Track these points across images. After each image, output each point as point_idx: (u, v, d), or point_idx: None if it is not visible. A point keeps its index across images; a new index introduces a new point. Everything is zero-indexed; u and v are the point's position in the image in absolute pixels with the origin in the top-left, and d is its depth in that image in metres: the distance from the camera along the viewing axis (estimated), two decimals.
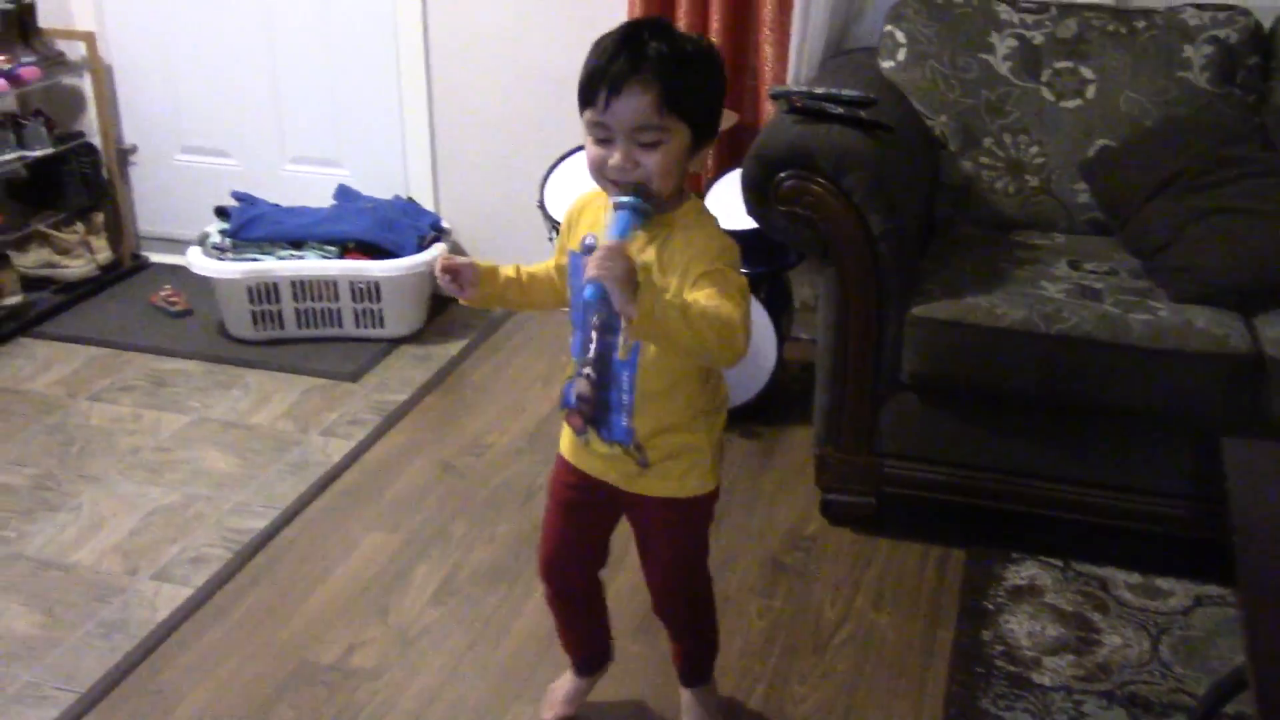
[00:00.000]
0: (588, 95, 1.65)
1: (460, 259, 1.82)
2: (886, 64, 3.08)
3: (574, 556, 2.06)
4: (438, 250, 1.82)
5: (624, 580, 2.61)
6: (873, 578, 2.64)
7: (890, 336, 2.61)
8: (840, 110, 2.60)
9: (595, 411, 1.82)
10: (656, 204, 1.68)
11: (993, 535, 2.74)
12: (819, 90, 2.67)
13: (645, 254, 1.71)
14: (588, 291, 1.54)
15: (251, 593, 2.58)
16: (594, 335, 1.67)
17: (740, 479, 3.01)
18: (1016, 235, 2.94)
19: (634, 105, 1.61)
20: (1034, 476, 2.63)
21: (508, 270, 1.89)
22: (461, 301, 1.86)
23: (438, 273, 1.81)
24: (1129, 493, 2.58)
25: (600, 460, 1.88)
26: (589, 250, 1.71)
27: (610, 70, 1.61)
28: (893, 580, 2.63)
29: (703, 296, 1.64)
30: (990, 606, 2.51)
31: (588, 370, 1.79)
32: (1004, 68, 3.01)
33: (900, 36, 3.07)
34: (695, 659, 2.15)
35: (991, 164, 3.01)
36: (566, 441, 1.94)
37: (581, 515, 2.00)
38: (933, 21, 3.05)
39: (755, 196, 2.61)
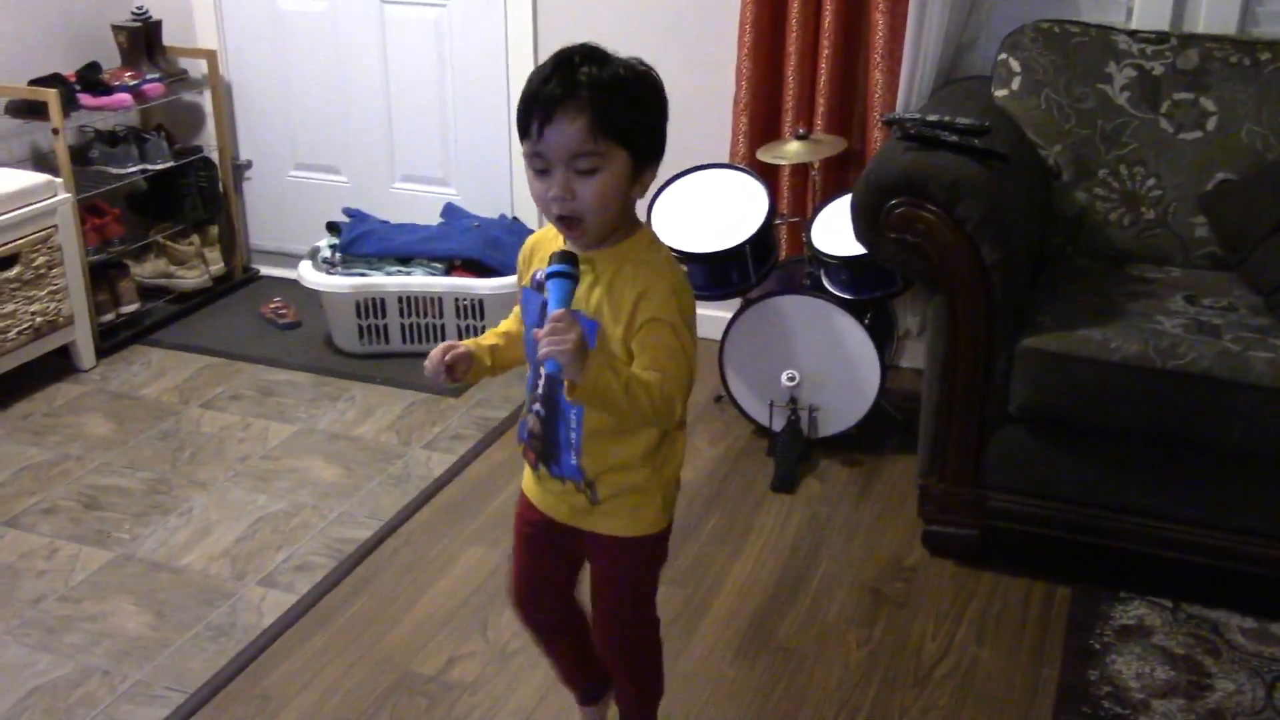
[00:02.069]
0: (522, 125, 1.61)
1: (459, 349, 1.77)
2: (1000, 92, 3.05)
3: (541, 588, 2.00)
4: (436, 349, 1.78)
5: (720, 606, 2.61)
6: (975, 612, 2.59)
7: (999, 368, 2.57)
8: (954, 138, 2.58)
9: (545, 448, 1.78)
10: (599, 242, 1.67)
11: (1100, 573, 2.68)
12: (932, 117, 2.65)
13: (594, 292, 1.67)
14: (547, 367, 1.53)
15: (354, 602, 2.62)
16: (542, 371, 1.59)
17: (840, 507, 2.98)
18: (1130, 268, 2.89)
19: (567, 131, 1.57)
20: (1145, 515, 2.57)
21: (488, 339, 1.86)
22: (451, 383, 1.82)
23: (437, 368, 1.76)
24: (1244, 535, 2.51)
25: (553, 497, 1.85)
26: (539, 285, 1.69)
27: (541, 97, 1.58)
28: (996, 615, 2.58)
29: (646, 359, 1.63)
30: (1097, 646, 2.46)
31: (537, 406, 1.74)
32: (1122, 98, 2.96)
33: (1015, 65, 3.04)
34: (636, 702, 2.08)
35: (1106, 195, 2.96)
36: (526, 477, 1.91)
37: (542, 550, 1.95)
38: (1049, 50, 3.01)
39: (866, 223, 2.59)
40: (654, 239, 1.73)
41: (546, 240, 1.77)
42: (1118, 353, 2.45)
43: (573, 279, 1.60)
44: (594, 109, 1.57)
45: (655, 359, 1.63)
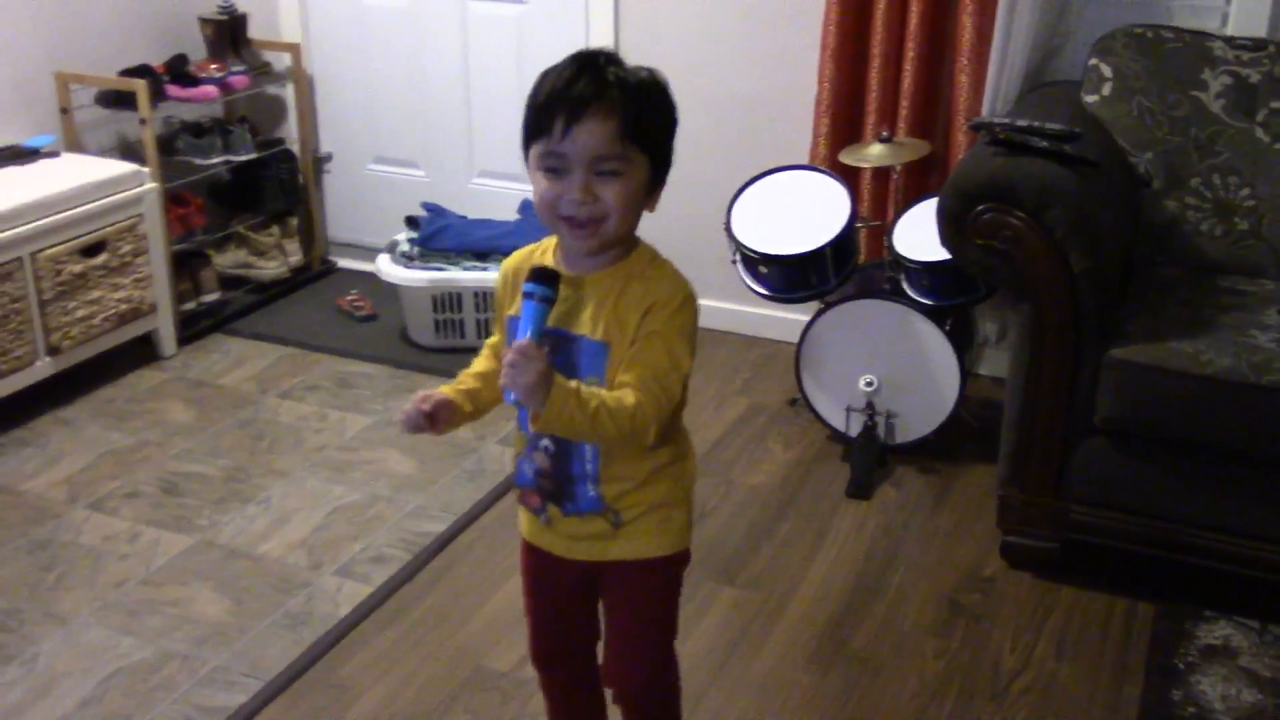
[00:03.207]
0: (542, 124, 1.53)
1: (436, 397, 1.67)
2: (1090, 98, 3.00)
3: (566, 639, 1.90)
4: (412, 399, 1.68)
5: (793, 612, 2.59)
6: (1054, 626, 2.55)
7: (1085, 378, 2.53)
8: (1044, 144, 2.54)
9: (557, 485, 1.69)
10: (614, 252, 1.61)
11: (1184, 590, 2.62)
12: (1022, 122, 2.61)
13: (601, 315, 1.59)
14: (506, 397, 1.50)
15: (429, 595, 2.63)
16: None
17: (916, 515, 2.95)
18: (1222, 280, 2.83)
19: (596, 132, 1.51)
20: (1232, 532, 2.51)
21: (465, 383, 1.74)
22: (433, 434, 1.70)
23: (417, 421, 1.65)
24: None
25: (564, 538, 1.74)
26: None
27: (570, 96, 1.52)
28: (1076, 630, 2.54)
29: (633, 375, 1.55)
30: (1180, 665, 2.41)
31: (545, 443, 1.67)
32: (1216, 106, 2.90)
33: (1106, 70, 2.98)
34: None
35: (1198, 205, 2.90)
36: (525, 524, 1.81)
37: (558, 596, 1.85)
38: (1142, 56, 2.95)
39: (952, 228, 2.56)
40: (655, 254, 1.66)
41: (529, 263, 1.66)
42: (1209, 366, 2.40)
43: (549, 303, 1.53)
44: (624, 111, 1.52)
45: (642, 377, 1.55)
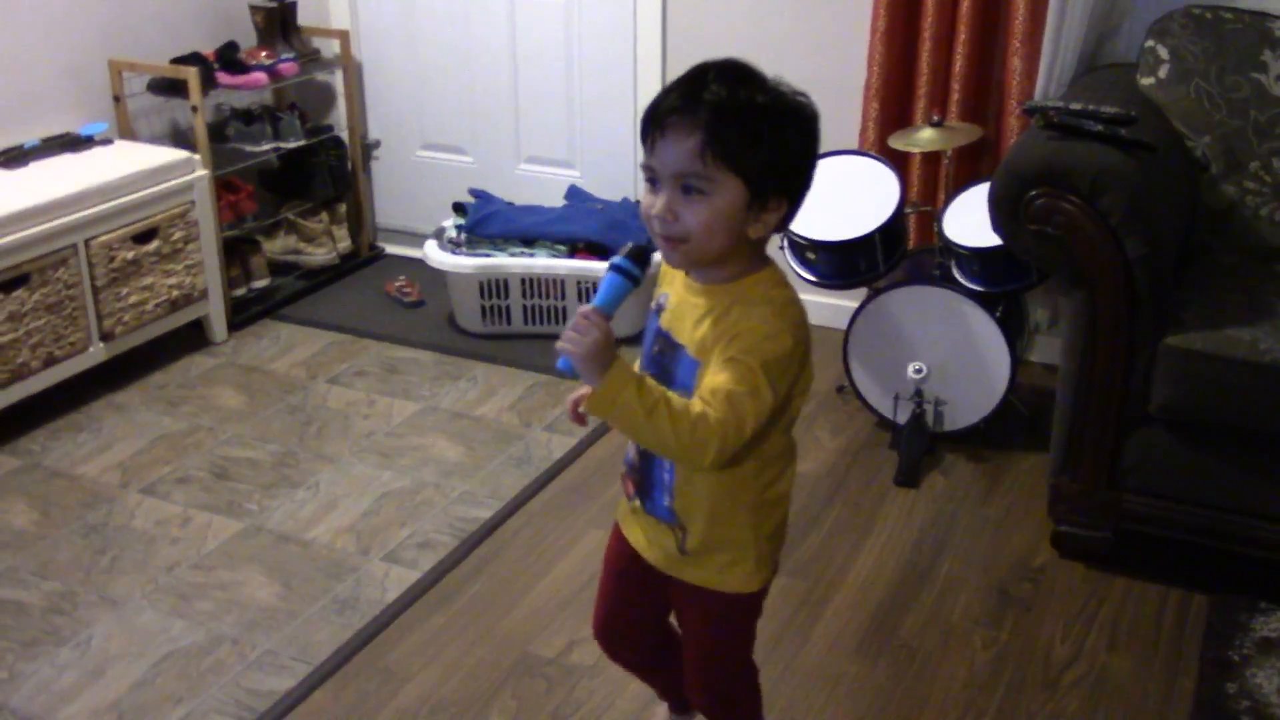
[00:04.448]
0: (642, 135, 1.54)
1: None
2: (1146, 80, 2.94)
3: (630, 627, 1.92)
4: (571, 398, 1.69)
5: (841, 600, 2.58)
6: (1107, 616, 2.52)
7: (1139, 366, 2.48)
8: (1099, 128, 2.50)
9: (641, 481, 1.69)
10: (711, 273, 1.55)
11: (1239, 582, 2.58)
12: (1076, 106, 2.57)
13: (701, 328, 1.55)
14: (559, 364, 1.47)
15: (476, 581, 2.64)
16: None
17: (965, 503, 2.92)
18: None
19: (677, 148, 1.47)
20: None
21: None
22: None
23: (571, 415, 1.69)
24: None
25: (643, 536, 1.74)
26: (659, 310, 1.63)
27: (660, 109, 1.50)
28: (1128, 621, 2.50)
29: (705, 390, 1.49)
30: (1235, 658, 2.36)
31: None
32: (1277, 88, 2.83)
33: (1163, 52, 2.93)
34: None
35: (1257, 189, 2.84)
36: (622, 505, 1.80)
37: (632, 586, 1.84)
38: (1200, 38, 2.90)
39: (1004, 213, 2.52)
40: (778, 280, 1.58)
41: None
42: (1268, 354, 2.35)
43: (632, 280, 1.51)
44: (709, 130, 1.46)
45: (714, 392, 1.49)
